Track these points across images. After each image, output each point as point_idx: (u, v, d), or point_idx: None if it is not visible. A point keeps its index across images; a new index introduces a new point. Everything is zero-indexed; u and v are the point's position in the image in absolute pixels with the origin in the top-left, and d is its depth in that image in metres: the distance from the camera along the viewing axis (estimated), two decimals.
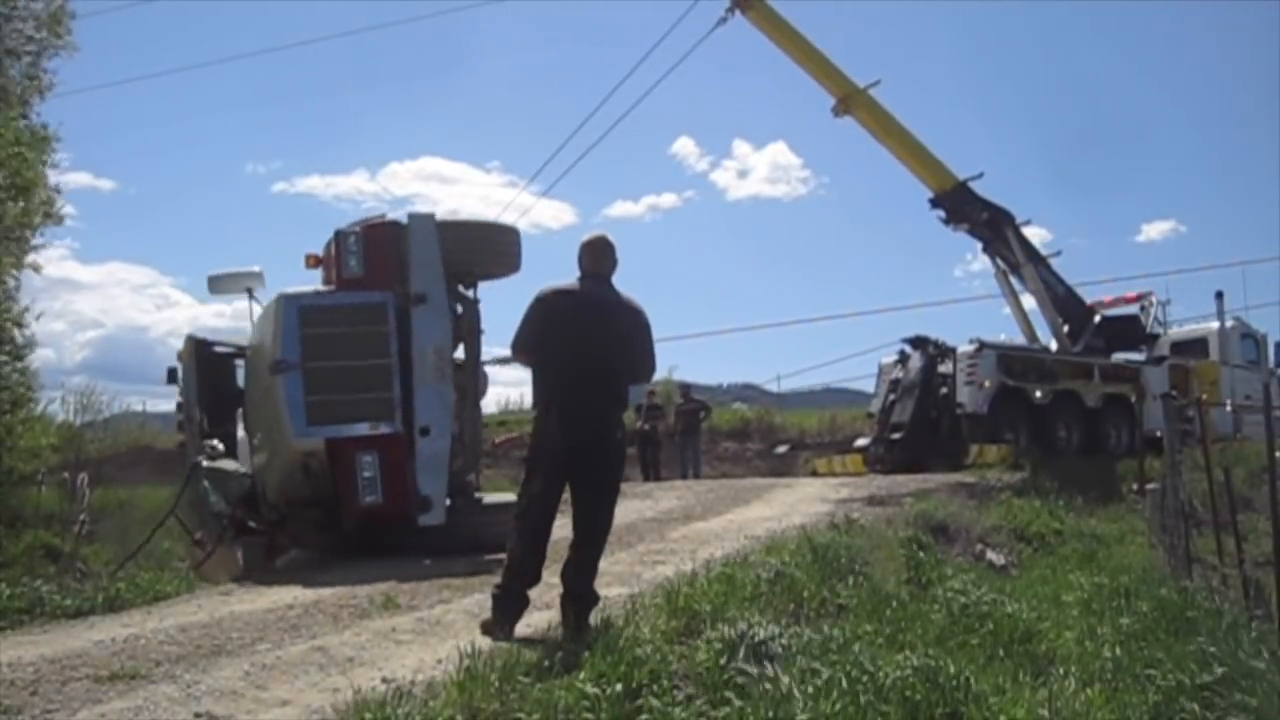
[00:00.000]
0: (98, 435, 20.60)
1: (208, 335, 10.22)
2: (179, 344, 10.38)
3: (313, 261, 9.16)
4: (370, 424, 8.22)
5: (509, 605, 5.06)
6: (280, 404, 8.22)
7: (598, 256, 5.24)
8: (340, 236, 8.64)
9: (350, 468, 8.11)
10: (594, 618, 5.10)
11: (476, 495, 9.33)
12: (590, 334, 5.06)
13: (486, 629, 5.05)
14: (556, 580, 6.89)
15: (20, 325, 16.02)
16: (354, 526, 8.45)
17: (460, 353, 9.34)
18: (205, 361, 9.90)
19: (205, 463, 9.31)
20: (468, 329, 9.40)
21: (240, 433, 10.11)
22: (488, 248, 9.18)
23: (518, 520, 5.21)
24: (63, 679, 4.77)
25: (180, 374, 9.91)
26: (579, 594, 5.05)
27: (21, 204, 15.68)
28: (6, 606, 7.15)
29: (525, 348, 5.22)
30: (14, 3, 16.76)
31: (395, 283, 8.52)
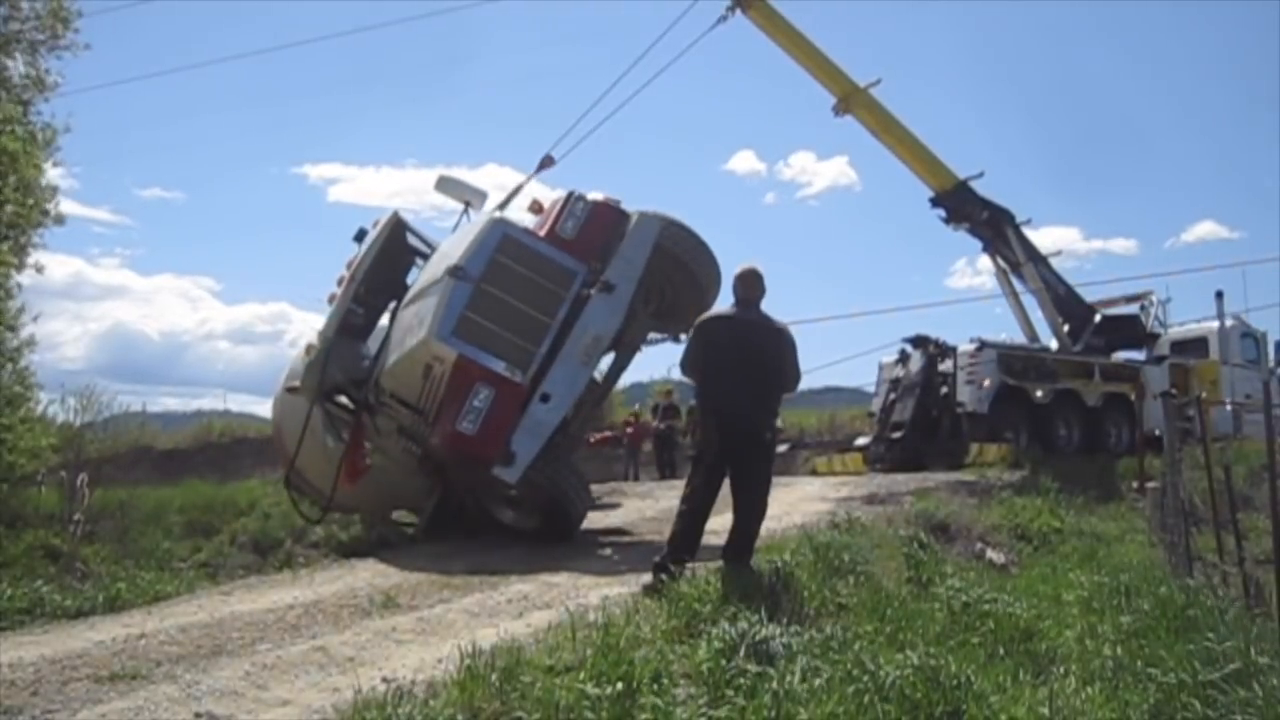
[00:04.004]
0: (98, 435, 20.56)
1: (412, 223, 10.49)
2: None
3: (536, 207, 9.37)
4: (507, 365, 8.36)
5: (665, 571, 5.76)
6: (439, 304, 8.41)
7: (749, 285, 6.13)
8: (572, 197, 8.98)
9: (465, 390, 8.20)
10: (596, 617, 5.12)
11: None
12: (742, 352, 5.92)
13: (646, 590, 5.73)
14: (558, 580, 6.92)
15: (14, 329, 15.98)
16: (434, 447, 8.54)
17: (610, 357, 9.72)
18: (394, 240, 10.14)
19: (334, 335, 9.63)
20: (629, 340, 9.64)
21: (384, 320, 10.33)
22: (692, 271, 9.40)
23: (683, 504, 6.11)
24: (63, 679, 4.78)
25: (368, 238, 10.13)
26: (739, 562, 5.83)
27: (28, 203, 15.67)
28: (7, 606, 7.16)
29: (690, 365, 6.16)
30: (15, 1, 16.71)
31: (595, 261, 8.77)
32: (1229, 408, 15.33)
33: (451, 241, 9.48)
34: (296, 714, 4.15)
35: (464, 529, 10.11)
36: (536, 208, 9.35)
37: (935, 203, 16.08)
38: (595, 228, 8.89)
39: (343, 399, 10.10)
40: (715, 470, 5.99)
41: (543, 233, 8.89)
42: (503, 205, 10.48)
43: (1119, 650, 5.07)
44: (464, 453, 8.24)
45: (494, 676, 4.07)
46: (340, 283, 10.03)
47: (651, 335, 10.62)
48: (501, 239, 8.63)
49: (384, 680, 4.41)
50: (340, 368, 9.74)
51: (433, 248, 10.07)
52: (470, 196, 10.22)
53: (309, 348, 9.84)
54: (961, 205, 15.90)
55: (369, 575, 7.79)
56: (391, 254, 10.13)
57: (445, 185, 10.50)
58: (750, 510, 6.04)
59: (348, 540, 11.38)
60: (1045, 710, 4.15)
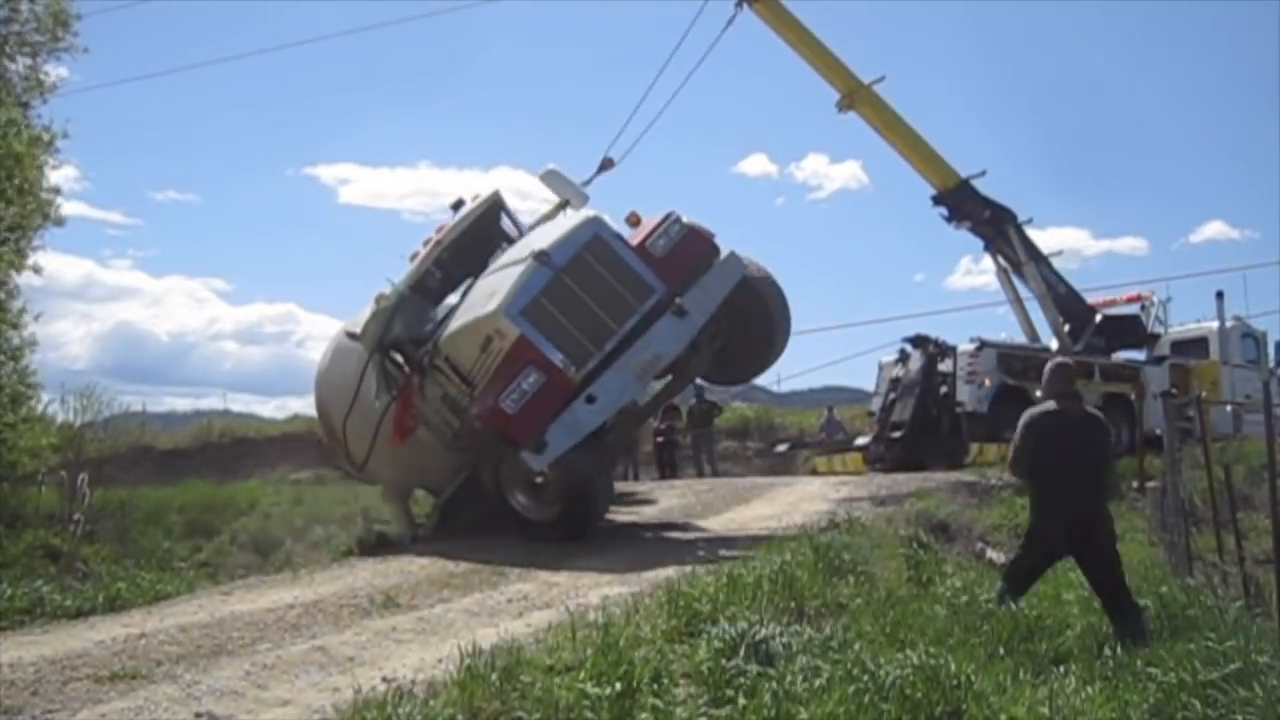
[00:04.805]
0: (98, 435, 20.58)
1: (512, 209, 10.67)
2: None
3: (634, 219, 9.47)
4: (563, 358, 8.45)
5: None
6: (516, 282, 8.55)
7: (1068, 378, 6.22)
8: (670, 218, 9.13)
9: (517, 370, 8.33)
10: (596, 617, 5.09)
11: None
12: (1078, 447, 5.95)
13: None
14: (558, 579, 6.92)
15: (17, 327, 16.01)
16: (472, 417, 8.65)
17: (663, 382, 9.89)
18: (487, 218, 10.31)
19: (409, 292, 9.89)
20: (684, 369, 9.76)
21: (454, 298, 10.50)
22: (772, 321, 9.72)
23: (1011, 581, 6.10)
24: (63, 679, 4.78)
25: (464, 209, 10.34)
26: (1128, 627, 5.66)
27: (28, 206, 15.70)
28: (7, 606, 7.17)
29: (1023, 461, 6.07)
30: (15, 4, 16.74)
31: (676, 283, 8.89)
32: (1229, 408, 15.31)
33: (541, 231, 9.61)
34: (297, 714, 4.16)
35: (466, 527, 10.14)
36: (634, 220, 9.48)
37: (937, 201, 16.06)
38: (684, 252, 9.03)
39: (397, 357, 10.15)
40: (1050, 561, 6.20)
41: (634, 243, 9.04)
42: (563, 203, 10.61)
43: (1119, 650, 5.07)
44: (499, 429, 8.32)
45: (494, 676, 4.07)
46: (426, 244, 10.20)
47: (703, 378, 10.86)
48: (592, 238, 8.79)
49: (384, 680, 4.41)
50: (405, 323, 9.90)
51: (523, 234, 10.21)
52: (571, 195, 10.33)
53: (380, 297, 9.96)
54: (963, 204, 15.87)
55: (369, 575, 7.80)
56: (482, 230, 10.28)
57: (550, 179, 10.57)
58: (1110, 585, 6.04)
59: (347, 540, 11.39)
60: (1045, 710, 4.14)
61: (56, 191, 16.92)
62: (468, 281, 10.21)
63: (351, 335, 10.14)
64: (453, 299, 10.53)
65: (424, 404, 9.69)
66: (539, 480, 8.59)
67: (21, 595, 7.46)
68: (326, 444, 11.58)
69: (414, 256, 10.22)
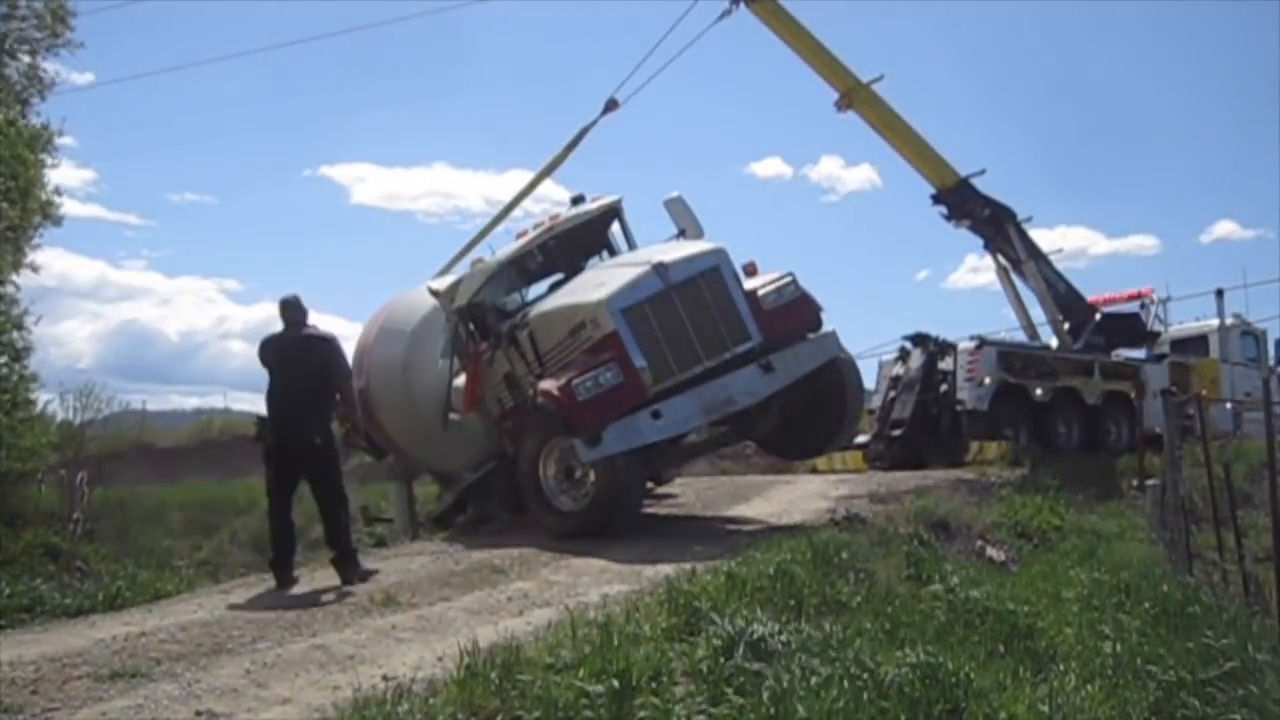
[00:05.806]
0: (98, 433, 20.58)
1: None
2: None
3: (751, 269, 9.62)
4: (648, 364, 8.54)
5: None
6: (628, 282, 8.70)
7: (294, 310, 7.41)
8: (788, 279, 9.32)
9: (599, 361, 8.46)
10: (595, 615, 5.13)
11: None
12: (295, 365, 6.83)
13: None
14: (558, 578, 6.92)
15: (20, 328, 16.02)
16: (539, 391, 8.74)
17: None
18: (601, 221, 10.46)
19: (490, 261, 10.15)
20: (743, 424, 9.85)
21: (541, 291, 10.62)
22: (845, 405, 9.88)
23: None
24: (63, 677, 4.78)
25: (583, 205, 10.52)
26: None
27: (29, 205, 15.72)
28: (7, 605, 7.16)
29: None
30: (14, 1, 16.74)
31: (773, 340, 9.00)
32: (1229, 406, 15.33)
33: (657, 249, 9.73)
34: (297, 712, 4.16)
35: (467, 525, 10.13)
36: (751, 270, 9.58)
37: (937, 200, 16.07)
38: (791, 313, 9.17)
39: (469, 325, 10.19)
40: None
41: (747, 288, 9.16)
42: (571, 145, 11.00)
43: (1119, 648, 5.07)
44: (563, 409, 8.39)
45: (493, 674, 4.07)
46: (537, 227, 10.36)
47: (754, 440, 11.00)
48: (711, 268, 8.91)
49: (384, 678, 4.41)
50: (493, 292, 10.01)
51: (632, 247, 10.36)
52: (689, 225, 10.31)
53: (478, 261, 10.10)
54: (962, 202, 15.87)
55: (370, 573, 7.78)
56: (591, 231, 10.39)
57: (673, 206, 10.54)
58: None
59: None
60: (1045, 708, 4.15)
61: (58, 192, 16.96)
62: (556, 278, 10.33)
63: (434, 292, 10.27)
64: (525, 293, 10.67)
65: (483, 381, 9.80)
66: (578, 474, 8.67)
67: (21, 594, 7.45)
68: (358, 416, 11.60)
69: (520, 235, 10.42)
